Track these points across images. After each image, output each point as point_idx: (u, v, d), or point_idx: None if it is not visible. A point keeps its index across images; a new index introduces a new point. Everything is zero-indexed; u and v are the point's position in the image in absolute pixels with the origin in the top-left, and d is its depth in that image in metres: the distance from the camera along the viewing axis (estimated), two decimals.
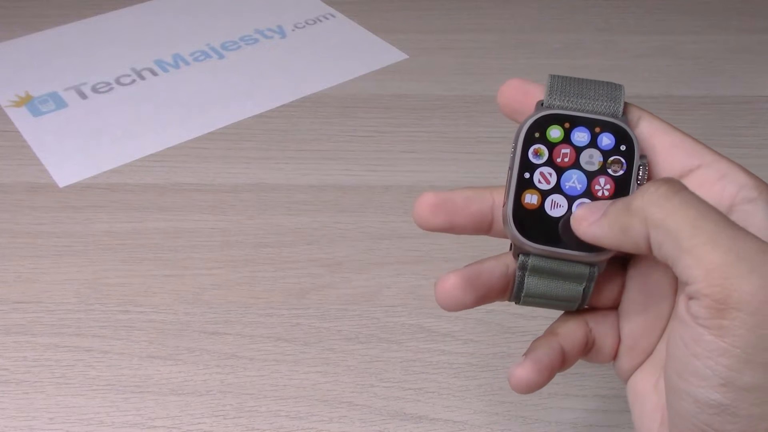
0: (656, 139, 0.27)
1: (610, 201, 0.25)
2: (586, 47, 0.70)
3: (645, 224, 0.23)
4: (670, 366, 0.24)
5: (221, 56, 0.69)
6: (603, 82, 0.27)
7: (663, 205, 0.23)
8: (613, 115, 0.27)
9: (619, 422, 0.39)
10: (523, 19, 0.74)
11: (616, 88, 0.27)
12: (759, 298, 0.21)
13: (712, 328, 0.22)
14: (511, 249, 0.28)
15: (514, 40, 0.71)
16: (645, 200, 0.23)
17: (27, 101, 0.63)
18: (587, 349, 0.29)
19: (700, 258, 0.22)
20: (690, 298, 0.22)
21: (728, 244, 0.22)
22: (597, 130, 0.26)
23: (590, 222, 0.25)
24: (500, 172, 0.56)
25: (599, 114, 0.27)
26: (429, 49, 0.69)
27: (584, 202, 0.26)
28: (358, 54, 0.69)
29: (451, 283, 0.27)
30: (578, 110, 0.27)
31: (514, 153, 0.27)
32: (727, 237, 0.22)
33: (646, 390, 0.27)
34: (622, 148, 0.26)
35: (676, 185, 0.23)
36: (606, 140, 0.26)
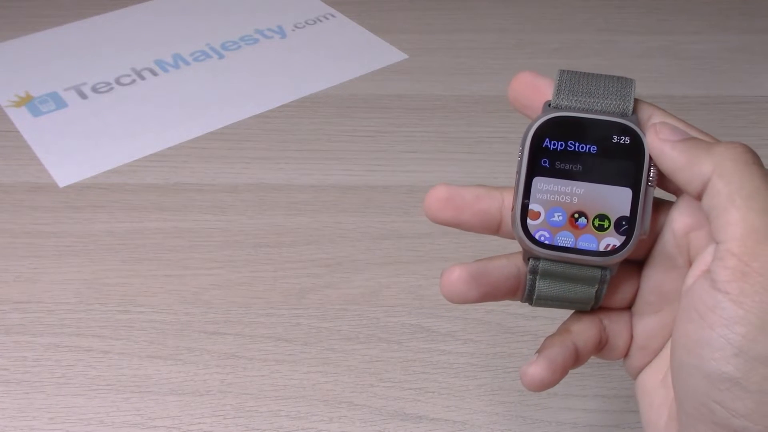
0: None
1: (690, 134, 0.26)
2: (586, 47, 0.70)
3: (714, 168, 0.24)
4: (680, 343, 0.24)
5: (221, 56, 0.69)
6: (613, 77, 0.27)
7: (738, 163, 0.23)
8: (623, 114, 0.26)
9: (619, 422, 0.39)
10: (523, 19, 0.74)
11: (626, 84, 0.27)
12: None
13: (731, 292, 0.22)
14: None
15: (514, 40, 0.71)
16: (728, 151, 0.24)
17: (27, 101, 0.63)
18: (600, 346, 0.29)
19: (746, 218, 0.22)
20: (716, 259, 0.23)
21: None
22: (605, 131, 0.26)
23: (666, 138, 0.25)
24: (501, 172, 0.56)
25: (608, 113, 0.26)
26: (429, 49, 0.69)
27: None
28: (358, 54, 0.69)
29: (456, 276, 0.27)
30: (586, 110, 0.26)
31: (521, 157, 0.26)
32: None
33: (654, 386, 0.28)
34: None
35: (755, 157, 0.24)
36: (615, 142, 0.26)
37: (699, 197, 0.24)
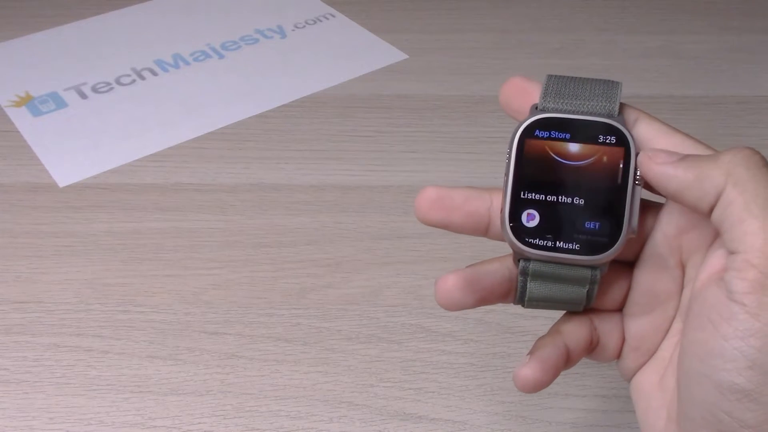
0: (656, 142, 0.26)
1: (684, 153, 0.25)
2: (586, 47, 0.70)
3: (726, 178, 0.23)
4: (690, 351, 0.24)
5: (221, 56, 0.69)
6: (600, 80, 0.27)
7: (751, 169, 0.23)
8: (609, 115, 0.26)
9: (619, 422, 0.39)
10: (523, 19, 0.74)
11: (613, 86, 0.27)
12: None
13: (749, 304, 0.22)
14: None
15: (514, 40, 0.71)
16: (736, 158, 0.23)
17: (27, 101, 0.63)
18: (592, 347, 0.29)
19: (764, 227, 0.22)
20: (733, 269, 0.22)
21: None
22: (591, 132, 0.26)
23: (664, 161, 0.25)
24: (501, 172, 0.56)
25: (594, 114, 0.26)
26: (429, 49, 0.69)
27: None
28: (358, 54, 0.69)
29: (451, 284, 0.27)
30: (573, 112, 0.26)
31: (508, 159, 0.26)
32: None
33: (651, 388, 0.28)
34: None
35: (764, 159, 0.23)
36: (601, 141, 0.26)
37: (709, 211, 0.24)
